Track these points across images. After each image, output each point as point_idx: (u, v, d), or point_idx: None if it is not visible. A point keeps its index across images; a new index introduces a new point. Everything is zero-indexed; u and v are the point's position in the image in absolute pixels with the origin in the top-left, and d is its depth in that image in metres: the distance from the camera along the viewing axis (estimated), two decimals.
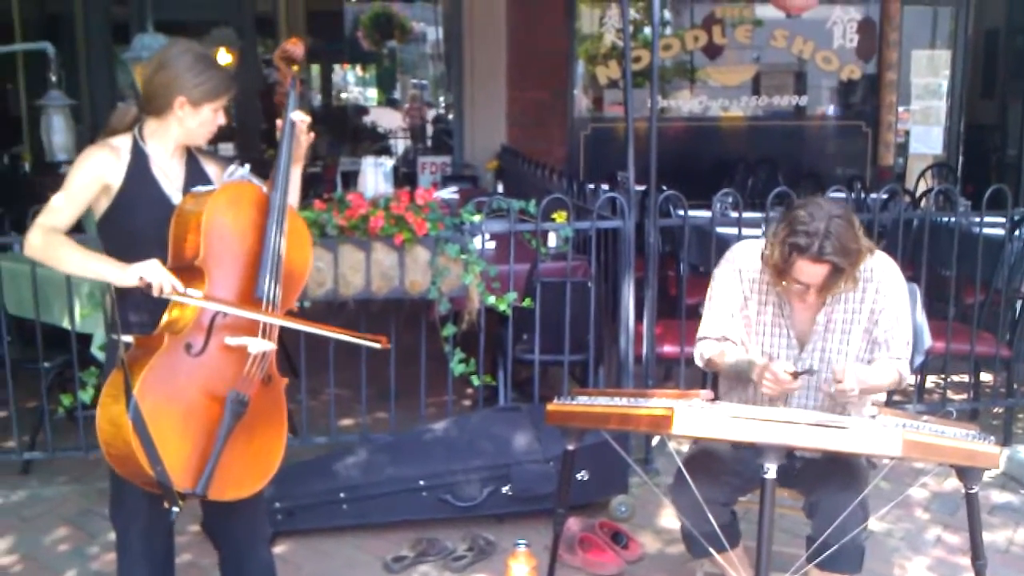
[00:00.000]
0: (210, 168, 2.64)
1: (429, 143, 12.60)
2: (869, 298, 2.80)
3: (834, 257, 2.60)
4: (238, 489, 2.49)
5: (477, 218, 4.00)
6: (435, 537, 3.61)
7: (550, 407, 2.82)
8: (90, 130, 9.03)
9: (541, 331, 4.11)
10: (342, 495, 3.64)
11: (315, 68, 15.09)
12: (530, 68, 7.91)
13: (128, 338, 2.40)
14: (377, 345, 2.60)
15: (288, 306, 2.60)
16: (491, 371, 4.25)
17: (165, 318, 2.44)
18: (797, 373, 2.66)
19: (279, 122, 2.63)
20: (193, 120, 2.52)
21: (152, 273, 2.35)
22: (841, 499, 2.63)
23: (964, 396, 4.89)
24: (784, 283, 2.72)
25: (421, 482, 3.66)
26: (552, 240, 4.50)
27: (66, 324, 4.02)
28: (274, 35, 11.15)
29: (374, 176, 5.89)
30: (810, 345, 2.83)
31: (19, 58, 8.76)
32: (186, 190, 2.54)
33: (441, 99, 14.17)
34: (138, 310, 2.49)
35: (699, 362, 2.97)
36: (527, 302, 4.06)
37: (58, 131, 4.48)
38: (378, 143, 12.98)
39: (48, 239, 2.44)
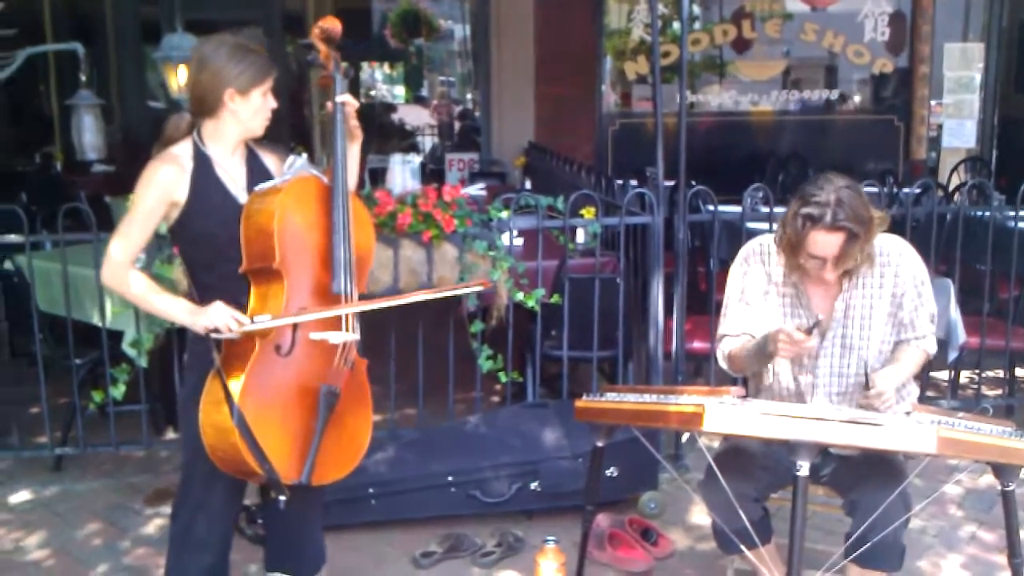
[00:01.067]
0: (269, 161, 2.64)
1: (456, 140, 12.60)
2: (888, 282, 2.78)
3: (848, 223, 2.59)
4: (337, 472, 2.60)
5: (505, 214, 3.99)
6: (463, 533, 3.61)
7: (579, 404, 2.81)
8: (120, 130, 9.13)
9: (570, 327, 4.10)
10: (371, 490, 3.65)
11: (343, 66, 15.09)
12: (558, 64, 7.89)
13: (218, 338, 2.43)
14: (480, 288, 2.73)
15: (361, 290, 2.63)
16: (519, 367, 4.24)
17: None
18: (809, 329, 2.64)
19: (328, 105, 2.61)
20: (246, 109, 2.51)
21: (216, 319, 2.39)
22: (882, 497, 2.60)
23: (999, 392, 4.83)
24: (800, 262, 2.70)
25: (449, 478, 3.66)
26: (580, 236, 4.48)
27: (97, 321, 4.05)
28: (303, 33, 11.15)
29: (402, 173, 5.89)
30: (831, 332, 2.80)
31: (50, 58, 8.85)
32: (250, 188, 2.54)
33: (468, 96, 14.16)
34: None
35: (723, 363, 2.96)
36: (555, 298, 4.05)
37: (88, 130, 4.52)
38: (406, 140, 12.99)
39: (122, 277, 2.48)
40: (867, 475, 2.70)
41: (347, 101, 2.60)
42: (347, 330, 2.54)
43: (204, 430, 2.43)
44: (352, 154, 2.66)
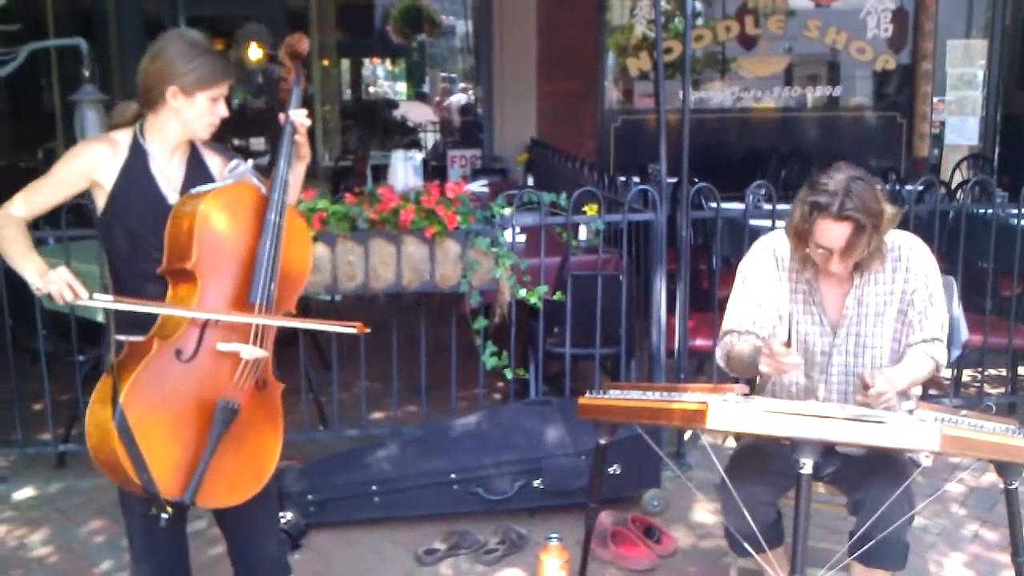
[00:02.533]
0: (212, 162, 2.56)
1: (459, 136, 12.61)
2: (900, 279, 2.76)
3: (855, 214, 2.56)
4: (228, 496, 2.44)
5: (507, 211, 3.99)
6: (466, 530, 3.61)
7: (582, 401, 2.81)
8: None
9: (572, 324, 4.10)
10: (374, 488, 3.65)
11: (345, 62, 15.12)
12: (560, 60, 7.88)
13: (123, 338, 2.36)
14: (352, 330, 2.50)
15: (287, 307, 2.54)
16: (522, 364, 4.24)
17: (157, 321, 2.39)
18: (788, 344, 2.58)
19: (282, 116, 2.55)
20: (189, 110, 2.43)
21: (52, 282, 2.28)
22: (886, 496, 2.59)
23: (1001, 390, 4.82)
24: (807, 251, 2.68)
25: (452, 475, 3.66)
26: (583, 233, 4.48)
27: (100, 318, 4.04)
28: (305, 30, 11.16)
29: (404, 170, 5.90)
30: (843, 330, 2.79)
31: (53, 54, 8.84)
32: (184, 190, 2.46)
33: (471, 92, 14.15)
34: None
35: (720, 361, 2.91)
36: (558, 295, 4.05)
37: (91, 126, 4.51)
38: (408, 137, 12.99)
39: (1, 226, 2.39)
40: (871, 474, 2.69)
41: (300, 121, 2.53)
42: (257, 345, 2.42)
43: (88, 430, 2.32)
44: (297, 171, 2.58)
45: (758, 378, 3.00)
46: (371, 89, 17.85)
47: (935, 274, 2.81)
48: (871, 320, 2.77)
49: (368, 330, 2.50)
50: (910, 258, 2.77)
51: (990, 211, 4.53)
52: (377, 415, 4.55)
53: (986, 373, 4.62)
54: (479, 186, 6.09)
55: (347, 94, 15.38)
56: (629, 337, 4.23)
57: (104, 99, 4.59)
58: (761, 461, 2.80)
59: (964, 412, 2.67)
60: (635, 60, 8.04)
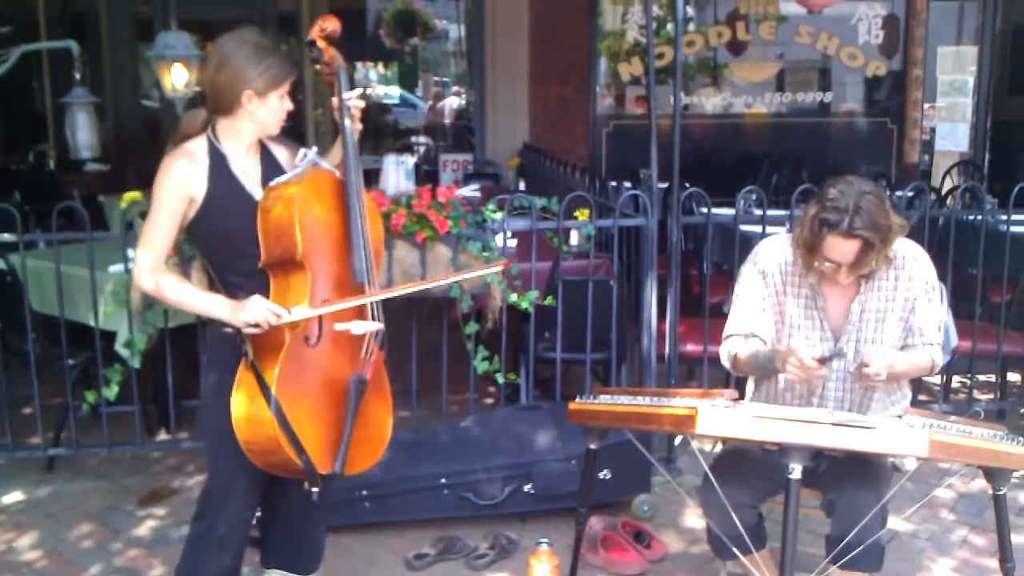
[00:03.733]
0: (280, 154, 2.65)
1: (451, 140, 12.61)
2: (903, 286, 2.78)
3: (864, 232, 2.58)
4: (364, 462, 2.65)
5: (499, 216, 3.99)
6: (457, 535, 3.60)
7: (572, 406, 2.81)
8: (114, 128, 9.11)
9: (563, 329, 4.10)
10: (364, 492, 3.64)
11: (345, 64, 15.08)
12: (552, 65, 7.89)
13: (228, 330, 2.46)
14: (499, 268, 2.87)
15: (377, 279, 2.64)
16: (513, 369, 4.24)
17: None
18: (823, 359, 2.62)
19: (333, 101, 2.61)
20: (263, 111, 2.52)
21: (255, 313, 2.39)
22: (858, 497, 2.61)
23: (991, 396, 4.84)
24: (815, 264, 2.70)
25: (443, 480, 3.66)
26: (574, 238, 4.48)
27: (90, 321, 4.04)
28: (297, 33, 11.17)
29: (396, 174, 5.90)
30: (845, 336, 2.80)
31: (44, 56, 8.83)
32: (264, 184, 2.55)
33: (463, 97, 14.15)
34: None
35: (726, 362, 2.93)
36: (549, 300, 4.05)
37: (82, 128, 4.51)
38: (400, 141, 12.98)
39: (159, 282, 2.48)
40: (844, 475, 2.70)
41: (352, 100, 2.61)
42: (372, 319, 2.57)
43: (238, 424, 2.42)
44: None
45: (750, 382, 3.01)
46: (364, 92, 17.83)
47: (935, 282, 2.85)
48: (872, 326, 2.79)
49: (509, 265, 2.58)
50: (913, 266, 2.79)
51: (980, 217, 4.55)
52: None
53: (975, 379, 4.63)
54: (471, 190, 6.09)
55: None
56: (620, 342, 4.23)
57: (95, 101, 4.58)
58: (742, 465, 2.82)
59: (953, 418, 2.68)
60: (627, 65, 8.05)
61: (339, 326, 2.52)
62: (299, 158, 2.57)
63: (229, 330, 2.47)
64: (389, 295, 2.63)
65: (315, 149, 2.59)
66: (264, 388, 2.38)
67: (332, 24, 2.63)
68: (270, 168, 2.59)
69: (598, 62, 8.12)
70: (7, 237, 3.99)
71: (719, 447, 3.09)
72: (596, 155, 8.04)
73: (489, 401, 4.85)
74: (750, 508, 2.78)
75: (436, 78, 17.02)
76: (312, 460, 2.42)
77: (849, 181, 2.65)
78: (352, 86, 2.64)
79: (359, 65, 17.10)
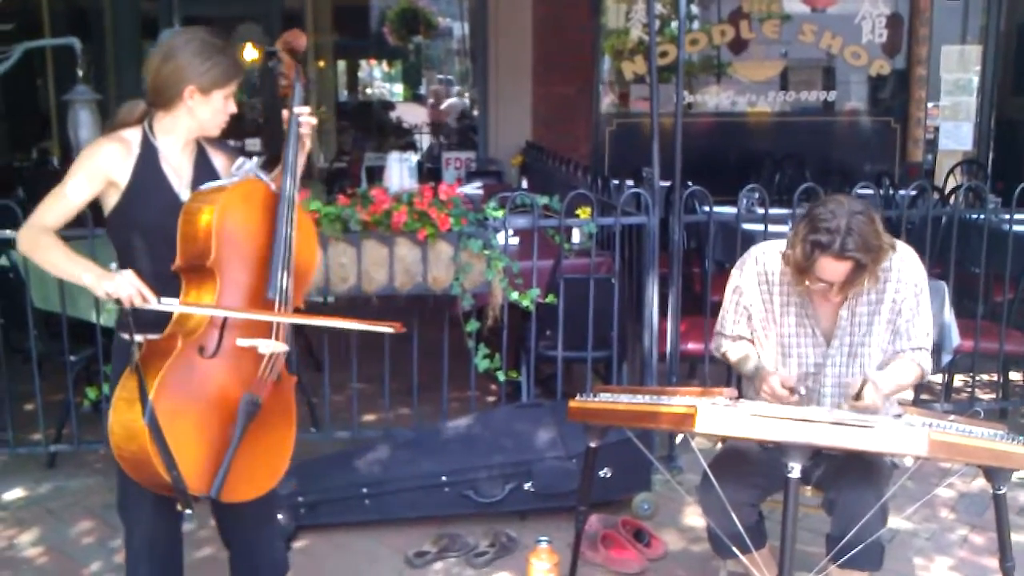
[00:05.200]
0: (218, 160, 2.58)
1: (454, 138, 12.62)
2: (891, 288, 2.78)
3: (856, 254, 2.58)
4: (249, 490, 2.47)
5: (500, 213, 3.99)
6: (457, 533, 3.61)
7: (572, 404, 2.81)
8: None
9: (564, 328, 4.10)
10: (364, 490, 3.64)
11: (341, 64, 15.11)
12: (555, 63, 7.89)
13: (141, 338, 2.36)
14: (391, 330, 2.50)
15: (296, 303, 2.54)
16: (514, 367, 4.24)
17: (173, 319, 2.39)
18: (793, 389, 2.67)
19: (285, 113, 2.55)
20: (204, 109, 2.46)
21: (122, 287, 2.29)
22: (857, 495, 2.61)
23: (993, 395, 4.84)
24: (806, 283, 2.70)
25: (443, 478, 3.66)
26: (576, 236, 4.48)
27: (92, 318, 4.04)
28: (301, 31, 11.24)
29: (399, 171, 5.90)
30: (836, 340, 2.81)
31: (48, 53, 8.84)
32: (194, 186, 2.49)
33: (466, 95, 14.16)
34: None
35: (716, 353, 3.01)
36: (550, 298, 4.05)
37: (84, 126, 4.50)
38: (403, 138, 12.99)
39: (36, 240, 2.40)
40: (843, 473, 2.71)
41: (305, 120, 2.54)
42: (277, 340, 2.45)
43: (111, 429, 2.32)
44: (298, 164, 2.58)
45: (744, 383, 3.02)
46: (367, 90, 17.85)
47: (924, 283, 2.83)
48: (862, 329, 2.80)
49: (404, 329, 2.51)
50: (900, 268, 2.79)
51: (983, 216, 4.54)
52: (369, 417, 4.54)
53: (977, 378, 4.63)
54: (473, 188, 6.09)
55: (343, 95, 15.37)
56: (621, 341, 4.23)
57: (98, 99, 4.58)
58: (741, 464, 2.82)
59: (953, 417, 2.68)
60: (630, 64, 8.04)
61: (242, 342, 2.40)
62: (235, 166, 2.51)
63: (126, 336, 2.38)
64: (295, 320, 2.49)
65: (255, 160, 2.53)
66: (143, 394, 2.25)
67: (295, 38, 2.62)
68: (203, 171, 2.53)
69: (601, 60, 8.11)
70: (9, 234, 3.99)
71: (719, 446, 3.09)
72: (599, 153, 8.04)
73: (490, 399, 4.86)
74: (749, 507, 2.78)
75: (440, 76, 17.04)
76: (184, 479, 2.27)
77: (840, 201, 2.64)
78: (305, 103, 2.58)
79: (363, 63, 17.13)
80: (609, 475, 3.68)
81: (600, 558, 3.47)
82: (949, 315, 3.18)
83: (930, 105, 7.87)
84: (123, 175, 2.43)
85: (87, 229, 3.93)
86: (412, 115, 15.03)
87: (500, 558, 3.51)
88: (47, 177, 7.66)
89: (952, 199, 5.59)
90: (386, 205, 3.85)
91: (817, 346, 2.83)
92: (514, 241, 4.28)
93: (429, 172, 8.67)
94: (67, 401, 4.16)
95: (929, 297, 2.86)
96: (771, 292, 2.86)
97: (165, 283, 2.41)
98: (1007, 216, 4.47)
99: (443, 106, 13.84)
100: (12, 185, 6.69)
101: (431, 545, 3.54)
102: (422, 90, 17.54)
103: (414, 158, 6.71)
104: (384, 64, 18.37)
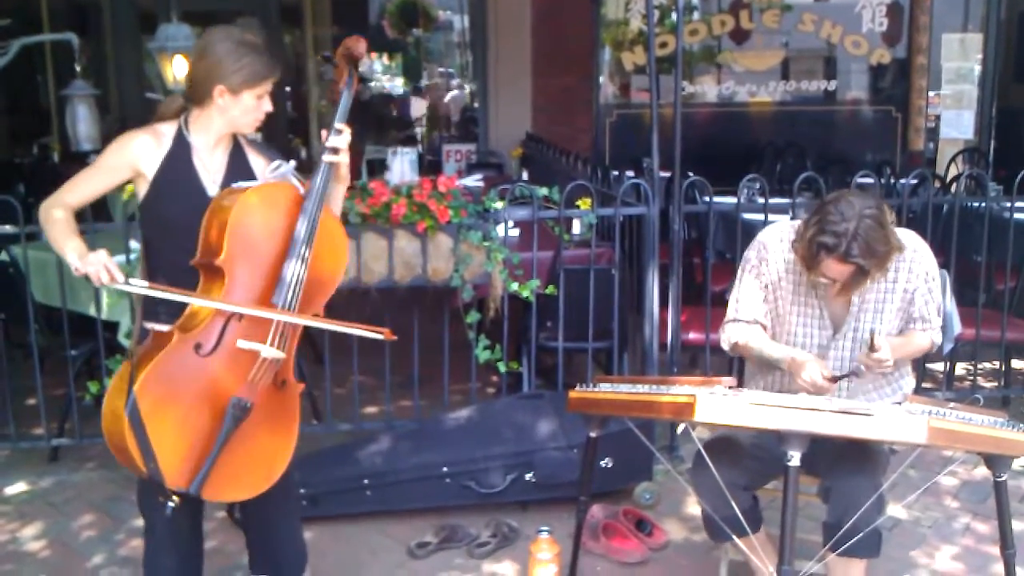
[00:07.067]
0: (256, 161, 2.59)
1: (455, 131, 12.61)
2: (902, 278, 2.78)
3: (860, 260, 2.58)
4: (236, 492, 2.47)
5: (500, 205, 3.99)
6: (458, 523, 3.61)
7: (572, 394, 2.81)
8: (118, 120, 9.11)
9: (565, 318, 4.09)
10: (366, 481, 3.65)
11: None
12: (555, 55, 7.88)
13: (151, 325, 2.39)
14: (380, 337, 2.50)
15: (314, 310, 2.53)
16: (515, 358, 4.24)
17: (185, 312, 2.41)
18: (836, 377, 2.65)
19: (323, 133, 2.53)
20: (235, 108, 2.47)
21: (91, 264, 2.29)
22: (854, 482, 2.61)
23: (994, 383, 4.83)
24: (812, 276, 2.70)
25: (444, 469, 3.66)
26: (576, 227, 4.48)
27: (93, 312, 4.05)
28: (299, 24, 11.17)
29: (400, 164, 5.90)
30: (844, 326, 2.80)
31: (48, 48, 8.83)
32: (226, 183, 2.50)
33: (467, 87, 14.14)
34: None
35: (725, 346, 2.94)
36: (551, 289, 4.04)
37: (83, 120, 4.51)
38: (404, 131, 12.97)
39: (49, 212, 2.44)
40: (841, 460, 2.70)
41: (333, 141, 2.49)
42: (277, 347, 2.43)
43: (103, 412, 2.35)
44: (338, 192, 2.59)
45: (746, 372, 3.02)
46: (367, 83, 17.81)
47: (935, 273, 2.86)
48: (870, 316, 2.80)
49: (395, 337, 2.49)
50: (913, 258, 2.79)
51: (984, 204, 4.53)
52: (370, 409, 4.55)
53: (979, 366, 4.62)
54: (474, 180, 6.08)
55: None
56: (622, 331, 4.23)
57: (96, 94, 4.58)
58: (734, 447, 2.84)
59: (952, 404, 2.68)
60: (630, 54, 8.03)
61: (243, 344, 2.39)
62: (271, 168, 2.51)
63: (149, 325, 2.41)
64: (286, 319, 2.43)
65: (292, 164, 2.51)
66: (130, 385, 2.26)
67: (357, 46, 2.55)
68: (238, 170, 2.54)
69: (601, 51, 8.10)
70: (10, 229, 4.00)
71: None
72: (600, 145, 8.04)
73: (491, 390, 4.85)
74: (743, 489, 2.78)
75: (440, 69, 17.00)
76: (163, 471, 2.28)
77: (851, 201, 2.61)
78: (350, 111, 2.55)
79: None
80: (610, 465, 3.68)
81: (601, 548, 3.48)
82: (950, 303, 3.18)
83: (931, 94, 7.85)
84: (151, 167, 2.46)
85: (88, 223, 3.94)
86: (412, 108, 15.01)
87: (501, 548, 3.51)
88: (48, 172, 7.68)
89: (953, 187, 5.58)
90: (385, 197, 3.85)
91: (823, 329, 2.82)
92: (514, 232, 4.28)
93: (430, 165, 8.67)
94: (68, 395, 4.17)
95: (940, 285, 2.87)
96: (784, 271, 2.84)
97: (188, 276, 2.43)
98: (1008, 204, 4.46)
99: (446, 99, 13.84)
100: (13, 180, 6.69)
101: (433, 536, 3.55)
102: (422, 83, 17.52)
103: (414, 151, 6.70)
104: (384, 57, 18.34)
